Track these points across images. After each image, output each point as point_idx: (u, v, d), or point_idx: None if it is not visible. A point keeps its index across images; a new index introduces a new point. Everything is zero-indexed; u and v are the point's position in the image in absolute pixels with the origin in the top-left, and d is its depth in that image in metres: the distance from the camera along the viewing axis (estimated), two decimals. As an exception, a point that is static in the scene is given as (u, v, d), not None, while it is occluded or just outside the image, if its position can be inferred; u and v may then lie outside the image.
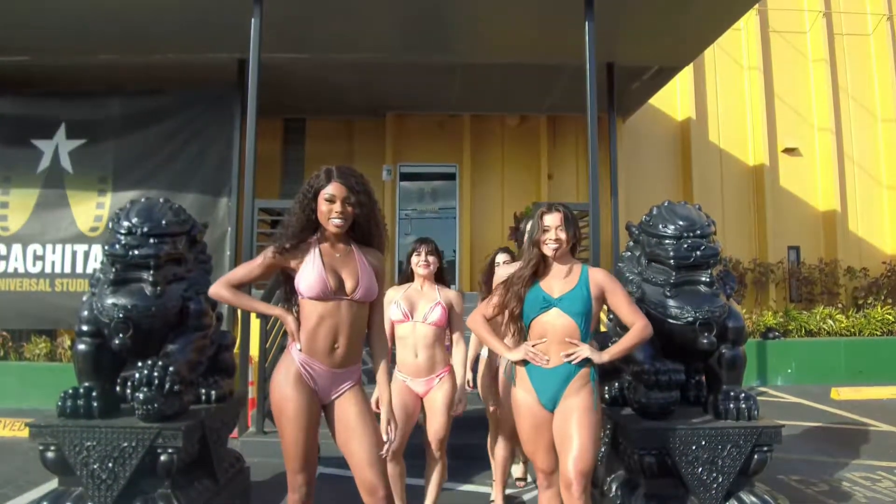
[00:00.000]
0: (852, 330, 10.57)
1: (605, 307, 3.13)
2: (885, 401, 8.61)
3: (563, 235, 2.97)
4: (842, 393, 8.81)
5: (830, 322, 10.61)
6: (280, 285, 2.84)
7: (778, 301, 12.04)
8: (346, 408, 2.66)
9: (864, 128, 13.01)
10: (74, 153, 9.26)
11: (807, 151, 12.83)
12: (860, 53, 13.21)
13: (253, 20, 6.75)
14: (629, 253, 4.02)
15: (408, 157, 11.90)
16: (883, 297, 11.54)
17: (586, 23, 6.96)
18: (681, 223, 3.74)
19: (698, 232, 3.72)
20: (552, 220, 3.01)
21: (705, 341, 3.56)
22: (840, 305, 11.50)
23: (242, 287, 2.76)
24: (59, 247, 9.21)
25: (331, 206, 2.62)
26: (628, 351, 3.02)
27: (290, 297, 2.76)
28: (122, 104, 9.32)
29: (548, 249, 2.99)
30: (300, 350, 2.64)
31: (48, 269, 9.17)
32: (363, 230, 2.74)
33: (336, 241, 2.72)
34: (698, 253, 3.64)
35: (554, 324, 2.92)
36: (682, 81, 12.28)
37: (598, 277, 3.01)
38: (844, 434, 6.78)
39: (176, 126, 9.30)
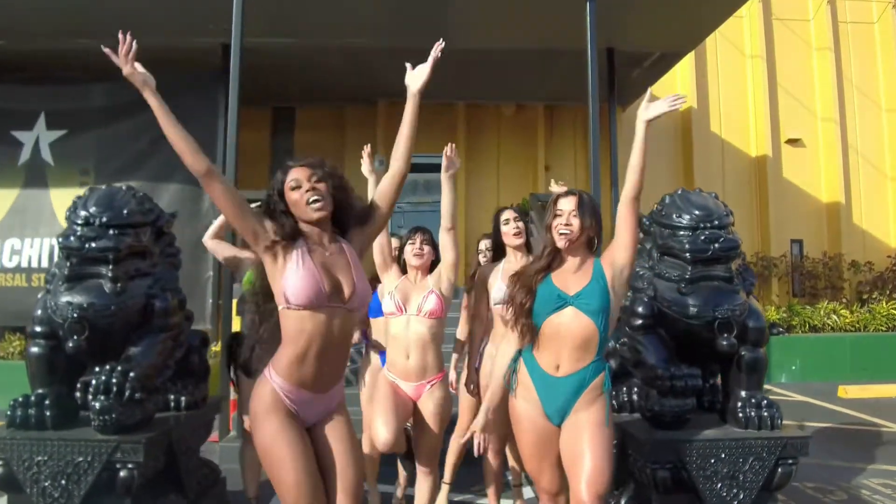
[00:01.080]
0: (857, 325, 10.32)
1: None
2: (894, 399, 8.33)
3: (575, 222, 2.61)
4: (849, 391, 8.54)
5: (835, 317, 10.36)
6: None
7: (780, 295, 11.77)
8: (330, 435, 2.31)
9: (869, 118, 12.73)
10: (56, 144, 8.93)
11: (810, 142, 12.54)
12: (865, 42, 12.91)
13: (234, 1, 6.37)
14: (639, 245, 3.67)
15: (401, 148, 11.52)
16: (888, 292, 11.26)
17: (587, 4, 6.63)
18: (696, 213, 3.40)
19: (716, 222, 3.37)
20: (566, 203, 2.65)
21: (725, 343, 3.22)
22: (844, 300, 11.23)
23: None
24: (37, 241, 8.86)
25: (300, 192, 2.28)
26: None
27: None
28: (104, 92, 8.91)
29: (558, 237, 2.62)
30: (282, 380, 2.26)
31: (25, 264, 8.83)
32: (344, 213, 2.39)
33: (322, 234, 2.35)
34: (717, 245, 3.29)
35: (569, 326, 2.55)
36: (683, 70, 11.95)
37: (606, 258, 2.67)
38: (857, 436, 6.49)
39: (159, 115, 8.91)
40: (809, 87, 12.66)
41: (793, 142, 12.47)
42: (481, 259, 4.24)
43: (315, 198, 2.26)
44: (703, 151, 12.04)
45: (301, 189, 2.27)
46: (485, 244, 4.26)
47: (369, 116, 11.41)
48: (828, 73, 12.54)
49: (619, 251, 2.64)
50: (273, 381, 2.25)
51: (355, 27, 7.99)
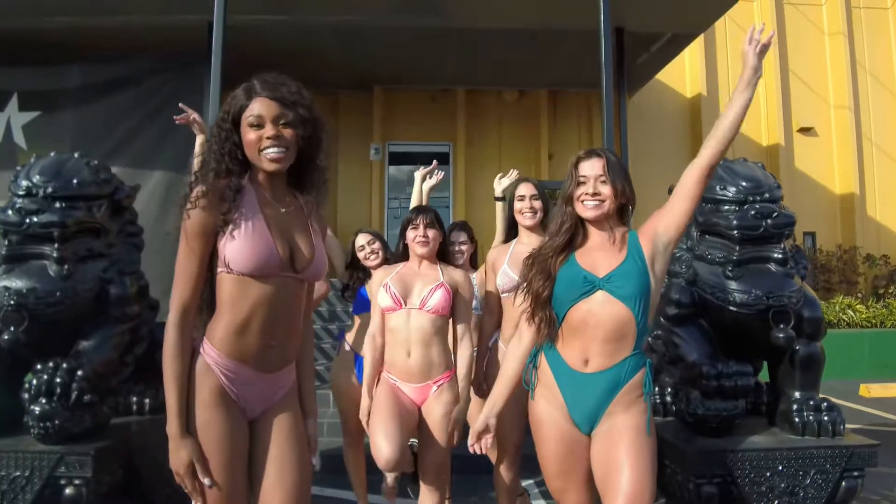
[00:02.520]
0: (873, 321, 9.91)
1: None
2: (920, 398, 7.90)
3: (605, 189, 2.11)
4: (872, 390, 8.10)
5: (850, 312, 9.93)
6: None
7: (793, 290, 11.31)
8: (275, 424, 1.85)
9: (884, 106, 12.26)
10: (29, 127, 8.40)
11: (823, 131, 12.07)
12: (879, 27, 12.46)
13: (217, -27, 5.91)
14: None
15: (397, 136, 11.05)
16: (905, 287, 10.84)
17: (598, -22, 6.18)
18: (744, 184, 2.93)
19: (767, 196, 2.92)
20: (591, 167, 2.15)
21: (781, 335, 2.75)
22: (859, 295, 10.77)
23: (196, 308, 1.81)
24: (10, 231, 8.35)
25: (259, 133, 1.76)
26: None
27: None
28: (81, 72, 8.45)
29: (586, 209, 2.12)
30: (219, 353, 1.79)
31: (-1, 254, 8.31)
32: (305, 167, 1.88)
33: (277, 188, 1.87)
34: (769, 221, 2.83)
35: (599, 314, 2.06)
36: (692, 56, 11.49)
37: (645, 227, 2.16)
38: (888, 438, 6.02)
39: (140, 96, 8.43)
40: (822, 73, 12.19)
41: (805, 130, 12.00)
42: (456, 257, 3.72)
43: (275, 150, 1.77)
44: (712, 140, 11.56)
45: (260, 129, 1.77)
46: (457, 236, 3.77)
47: (364, 103, 10.92)
48: (841, 60, 12.07)
49: (667, 223, 2.13)
50: (207, 356, 1.78)
51: (349, 4, 7.50)
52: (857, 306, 10.06)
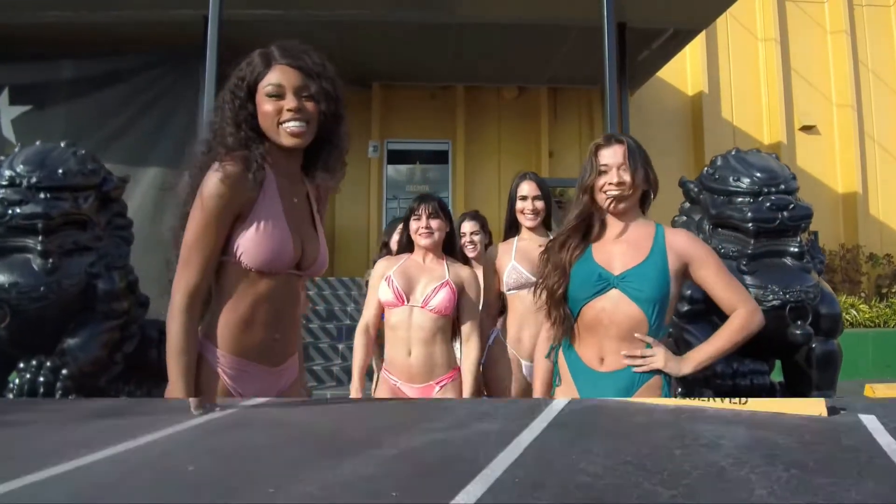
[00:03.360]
0: (877, 321, 9.82)
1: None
2: (926, 398, 7.79)
3: (627, 178, 1.98)
4: (877, 390, 7.97)
5: (854, 312, 9.82)
6: None
7: (795, 290, 11.21)
8: None
9: (886, 104, 12.15)
10: (19, 121, 8.28)
11: (825, 129, 11.97)
12: (881, 25, 12.36)
13: (213, -35, 5.81)
14: (685, 217, 3.09)
15: (396, 133, 10.94)
16: (908, 286, 10.74)
17: (600, -31, 6.09)
18: (759, 175, 2.83)
19: (782, 187, 2.83)
20: (612, 155, 2.02)
21: (798, 332, 2.65)
22: (862, 294, 10.67)
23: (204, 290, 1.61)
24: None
25: (279, 104, 1.59)
26: (727, 352, 2.05)
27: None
28: (74, 67, 8.38)
29: (610, 201, 2.01)
30: (221, 351, 1.63)
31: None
32: (321, 147, 1.69)
33: (293, 169, 1.71)
34: (785, 214, 2.73)
35: (612, 313, 1.96)
36: (693, 53, 11.39)
37: (681, 243, 2.03)
38: (897, 439, 5.93)
39: (134, 91, 8.34)
40: (824, 71, 12.09)
41: (807, 129, 11.90)
42: (468, 249, 3.59)
43: (296, 123, 1.59)
44: (714, 138, 11.43)
45: (280, 100, 1.59)
46: (469, 226, 3.62)
47: (363, 100, 10.76)
48: (843, 58, 11.98)
49: (703, 282, 2.02)
50: (216, 360, 1.62)
51: (347, -1, 7.42)
52: (861, 306, 9.95)
